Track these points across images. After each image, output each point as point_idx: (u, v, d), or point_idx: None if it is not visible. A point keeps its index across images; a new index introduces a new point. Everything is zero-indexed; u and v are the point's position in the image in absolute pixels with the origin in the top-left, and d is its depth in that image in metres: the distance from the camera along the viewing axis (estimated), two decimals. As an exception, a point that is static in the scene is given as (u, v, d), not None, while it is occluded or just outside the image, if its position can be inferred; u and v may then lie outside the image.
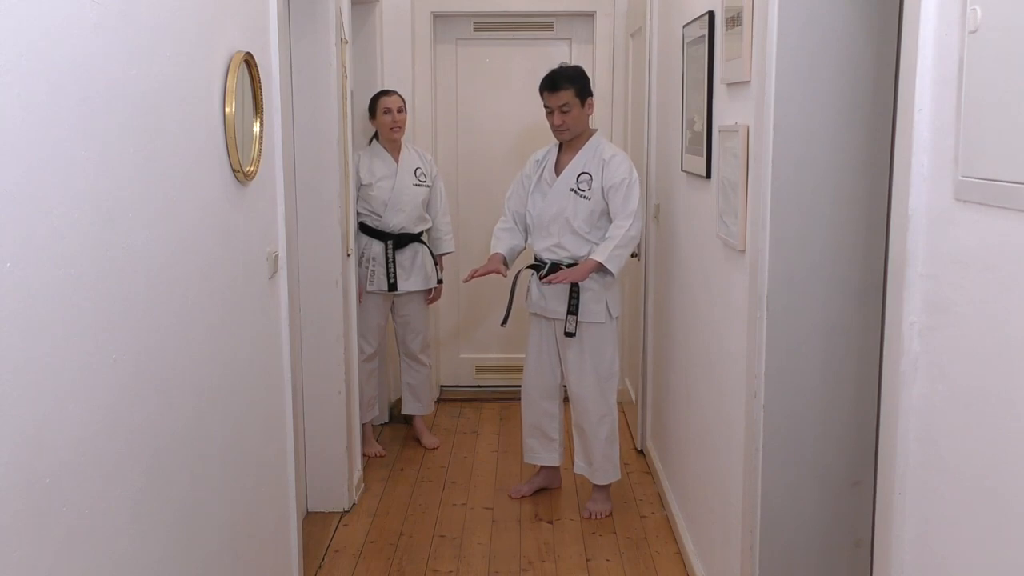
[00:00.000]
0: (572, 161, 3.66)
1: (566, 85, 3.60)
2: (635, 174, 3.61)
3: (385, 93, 4.34)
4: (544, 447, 3.94)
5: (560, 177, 3.66)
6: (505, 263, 3.75)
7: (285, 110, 2.91)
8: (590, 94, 3.68)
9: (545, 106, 3.66)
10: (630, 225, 3.52)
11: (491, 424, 4.97)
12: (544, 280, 3.59)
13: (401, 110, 4.32)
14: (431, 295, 4.57)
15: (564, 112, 3.60)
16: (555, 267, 3.64)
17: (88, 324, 1.43)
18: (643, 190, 4.20)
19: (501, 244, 3.78)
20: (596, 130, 3.75)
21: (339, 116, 3.61)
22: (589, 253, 3.58)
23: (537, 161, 3.80)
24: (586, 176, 3.61)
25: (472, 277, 3.70)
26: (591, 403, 3.71)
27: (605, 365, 3.70)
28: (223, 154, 2.10)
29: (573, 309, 3.61)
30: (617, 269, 3.55)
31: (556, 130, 3.66)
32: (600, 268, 3.51)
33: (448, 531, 3.66)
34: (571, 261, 3.62)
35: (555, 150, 3.77)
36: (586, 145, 3.66)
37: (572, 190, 3.62)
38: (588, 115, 3.68)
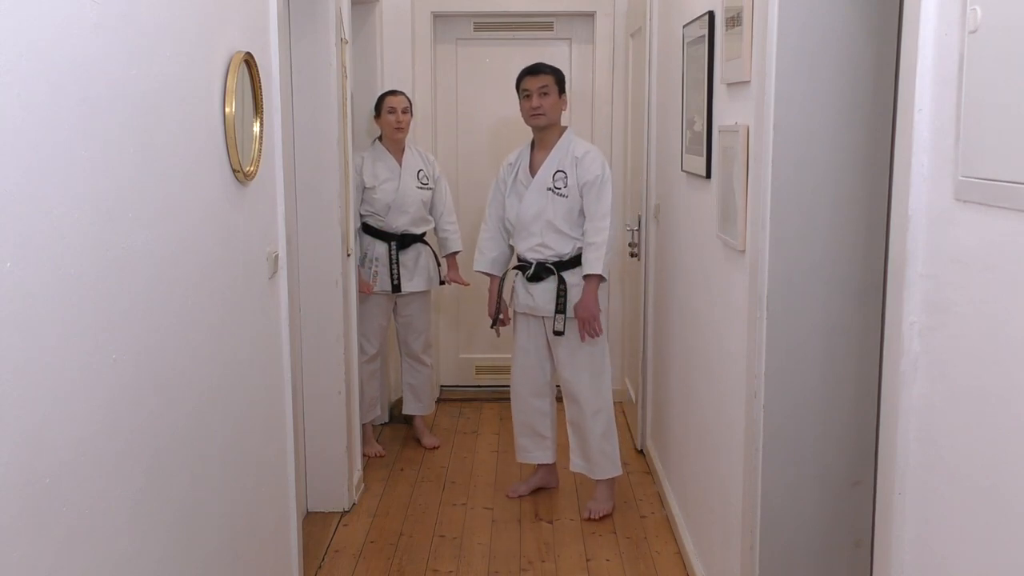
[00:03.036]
0: (546, 160, 3.68)
1: (547, 70, 3.69)
2: (608, 171, 3.64)
3: (391, 93, 4.34)
4: (536, 445, 3.94)
5: (536, 177, 3.69)
6: (501, 279, 3.88)
7: (285, 110, 2.91)
8: (565, 91, 3.73)
9: (523, 91, 3.68)
10: (608, 226, 3.56)
11: (491, 424, 4.97)
12: (584, 337, 3.59)
13: (406, 111, 4.31)
14: (461, 283, 4.52)
15: (543, 95, 3.64)
16: (541, 266, 3.66)
17: (88, 324, 1.43)
18: (643, 190, 4.22)
19: (484, 260, 3.87)
20: (567, 127, 3.78)
21: (339, 116, 3.61)
22: (573, 249, 3.63)
23: (510, 164, 3.82)
24: (561, 174, 3.64)
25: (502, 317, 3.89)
26: (586, 399, 3.72)
27: (597, 359, 3.71)
28: (223, 154, 2.10)
29: (561, 308, 3.62)
30: (607, 272, 3.61)
31: (532, 113, 3.66)
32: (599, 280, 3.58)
33: (448, 531, 3.66)
34: (556, 259, 3.66)
35: (527, 151, 3.80)
36: (559, 143, 3.69)
37: (549, 189, 3.64)
38: (562, 109, 3.72)
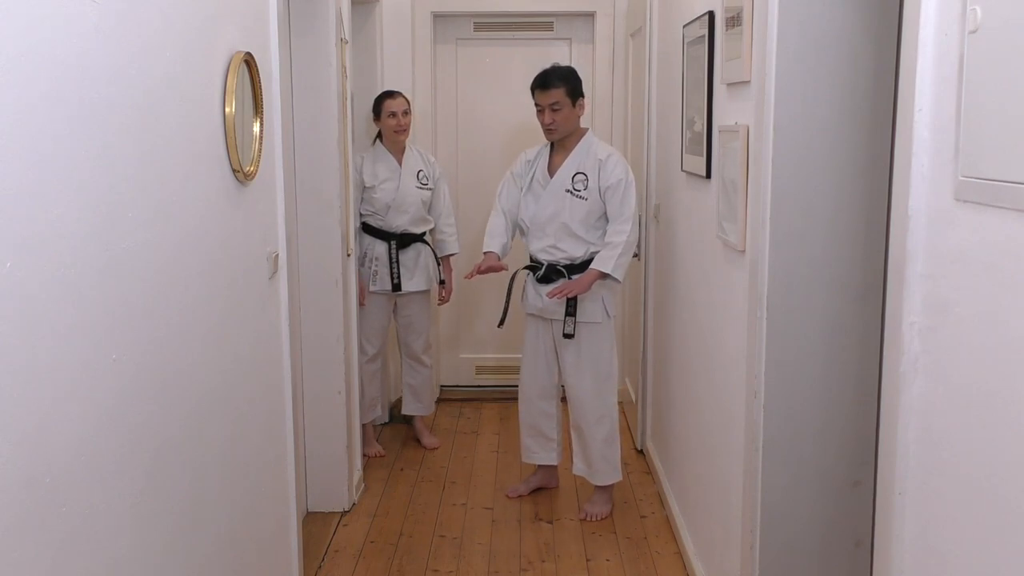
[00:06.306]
0: (566, 162, 3.64)
1: (557, 84, 3.59)
2: (631, 175, 3.59)
3: (390, 95, 4.32)
4: (541, 447, 3.93)
5: (554, 178, 3.64)
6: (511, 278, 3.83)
7: (285, 110, 2.91)
8: (582, 95, 3.65)
9: (536, 104, 3.64)
10: (630, 230, 3.52)
11: (491, 424, 4.97)
12: (549, 295, 3.56)
13: (406, 112, 4.31)
14: (441, 298, 4.56)
15: (555, 111, 3.58)
16: (552, 268, 3.64)
17: (88, 324, 1.43)
18: (643, 190, 4.22)
19: (493, 243, 3.77)
20: (588, 129, 3.74)
21: (339, 116, 3.61)
22: (585, 254, 3.58)
23: (528, 161, 3.77)
24: (581, 176, 3.59)
25: (473, 275, 3.74)
26: (589, 404, 3.71)
27: (603, 365, 3.69)
28: (223, 154, 2.10)
29: (571, 310, 3.59)
30: (623, 276, 3.55)
31: (546, 129, 3.64)
32: (601, 276, 3.51)
33: (448, 531, 3.66)
34: (568, 262, 3.62)
35: (547, 151, 3.75)
36: (579, 145, 3.65)
37: (568, 191, 3.60)
38: (579, 115, 3.66)
